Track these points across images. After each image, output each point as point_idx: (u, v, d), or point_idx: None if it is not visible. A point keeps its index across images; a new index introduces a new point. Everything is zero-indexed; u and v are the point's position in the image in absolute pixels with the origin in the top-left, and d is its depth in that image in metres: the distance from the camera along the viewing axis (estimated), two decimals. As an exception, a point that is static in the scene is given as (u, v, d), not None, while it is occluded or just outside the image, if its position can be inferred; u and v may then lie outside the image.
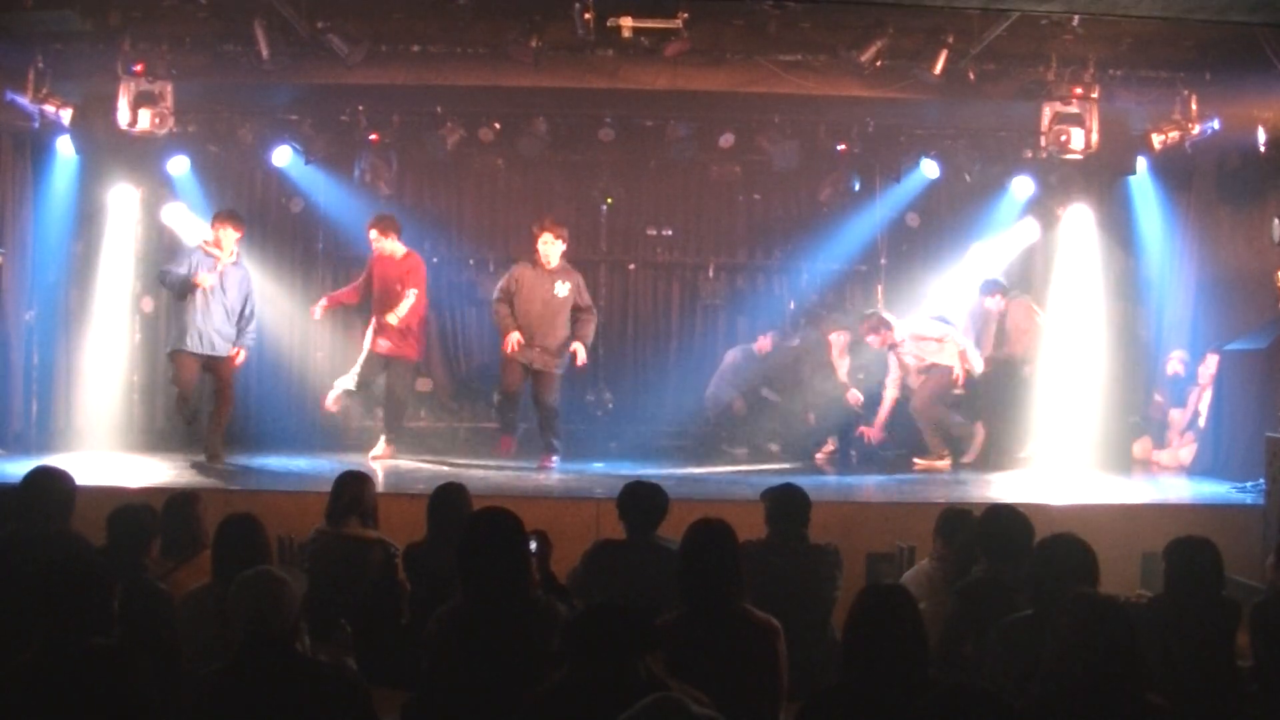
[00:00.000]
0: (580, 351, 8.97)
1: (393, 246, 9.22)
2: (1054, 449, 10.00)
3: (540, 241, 8.95)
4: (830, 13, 8.60)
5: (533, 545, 4.26)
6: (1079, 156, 9.09)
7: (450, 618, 3.89)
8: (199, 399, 8.98)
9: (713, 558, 4.01)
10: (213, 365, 8.71)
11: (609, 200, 11.18)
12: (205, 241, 8.78)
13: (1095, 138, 8.89)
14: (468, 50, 8.90)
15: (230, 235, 8.71)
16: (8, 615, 3.96)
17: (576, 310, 9.02)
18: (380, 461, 9.18)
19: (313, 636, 4.06)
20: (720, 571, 3.98)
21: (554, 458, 9.07)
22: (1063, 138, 8.83)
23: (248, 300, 8.81)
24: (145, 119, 8.64)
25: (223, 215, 8.87)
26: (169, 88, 8.71)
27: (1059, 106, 8.86)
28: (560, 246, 8.96)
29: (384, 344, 9.21)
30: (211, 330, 8.59)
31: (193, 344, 8.56)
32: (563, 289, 8.93)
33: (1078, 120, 8.86)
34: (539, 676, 3.45)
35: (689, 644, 3.75)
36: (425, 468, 8.93)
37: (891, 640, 3.31)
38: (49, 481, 5.20)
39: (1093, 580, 4.15)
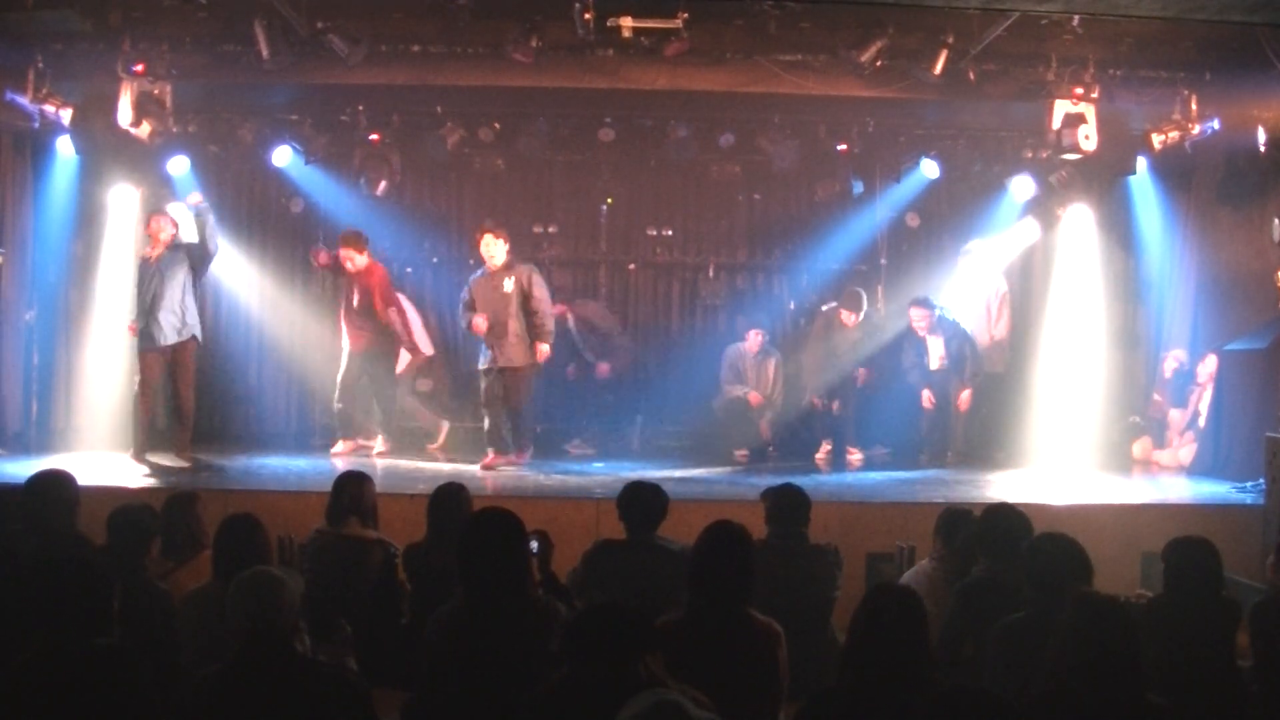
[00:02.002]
0: (542, 349, 8.95)
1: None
2: (1053, 449, 10.03)
3: (481, 245, 9.04)
4: (830, 13, 8.61)
5: (534, 545, 4.27)
6: (1079, 156, 9.11)
7: (450, 618, 3.89)
8: (163, 400, 9.02)
9: (727, 561, 3.97)
10: (171, 357, 8.61)
11: (609, 200, 11.18)
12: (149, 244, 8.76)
13: (1096, 138, 8.90)
14: (468, 50, 8.90)
15: (166, 226, 8.63)
16: (8, 615, 3.96)
17: (527, 305, 8.93)
18: (385, 459, 9.36)
19: (313, 636, 4.05)
20: (733, 576, 3.95)
21: (516, 456, 9.00)
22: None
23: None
24: (145, 120, 8.62)
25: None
26: (169, 88, 8.72)
27: (1069, 105, 8.86)
28: (501, 245, 8.96)
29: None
30: (161, 321, 8.50)
31: (149, 342, 8.55)
32: (508, 284, 8.91)
33: (1080, 119, 8.86)
34: (539, 676, 3.45)
35: (690, 645, 3.74)
36: (425, 468, 8.93)
37: (898, 641, 3.29)
38: (53, 485, 5.20)
39: (1087, 577, 4.15)
